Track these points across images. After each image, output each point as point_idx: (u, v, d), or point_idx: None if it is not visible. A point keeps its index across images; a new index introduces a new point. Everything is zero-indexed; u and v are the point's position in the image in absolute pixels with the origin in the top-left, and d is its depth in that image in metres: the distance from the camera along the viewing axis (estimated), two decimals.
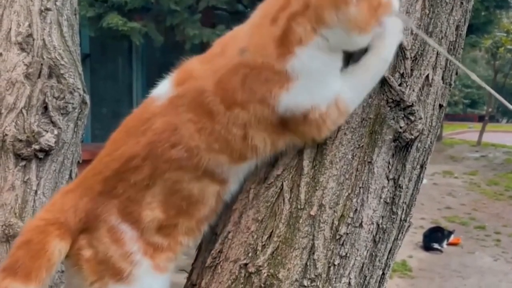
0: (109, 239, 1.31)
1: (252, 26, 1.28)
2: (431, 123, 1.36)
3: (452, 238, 7.92)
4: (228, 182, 1.33)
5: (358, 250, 1.32)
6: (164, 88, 1.34)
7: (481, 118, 25.04)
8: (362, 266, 1.34)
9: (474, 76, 1.30)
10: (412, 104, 1.28)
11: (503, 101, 1.27)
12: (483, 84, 1.29)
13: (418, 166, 1.38)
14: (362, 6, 1.15)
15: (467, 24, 1.39)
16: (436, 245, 7.69)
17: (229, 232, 1.35)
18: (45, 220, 1.34)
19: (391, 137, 1.30)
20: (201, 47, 10.52)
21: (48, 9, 2.31)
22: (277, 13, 1.20)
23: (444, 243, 7.81)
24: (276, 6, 1.22)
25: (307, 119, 1.24)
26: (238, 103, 1.23)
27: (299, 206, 1.29)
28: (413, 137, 1.29)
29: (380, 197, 1.32)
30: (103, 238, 1.31)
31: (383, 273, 1.40)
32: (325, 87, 1.23)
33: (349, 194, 1.30)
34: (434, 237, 7.80)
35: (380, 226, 1.34)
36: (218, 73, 1.25)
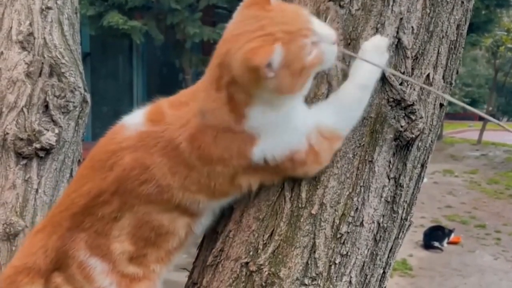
0: (81, 276, 1.32)
1: (204, 89, 1.26)
2: (432, 122, 1.36)
3: (452, 237, 7.92)
4: (201, 216, 1.33)
5: (359, 249, 1.32)
6: (135, 119, 1.33)
7: (481, 117, 25.00)
8: (363, 265, 1.34)
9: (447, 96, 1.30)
10: (413, 103, 1.29)
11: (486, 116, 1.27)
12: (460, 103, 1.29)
13: (419, 165, 1.38)
14: (282, 76, 1.14)
15: (468, 23, 1.40)
16: (436, 244, 7.70)
17: (230, 231, 1.35)
18: (14, 268, 1.36)
19: (392, 136, 1.30)
20: (202, 46, 10.52)
21: (49, 8, 2.31)
22: (217, 82, 1.21)
23: (445, 242, 7.81)
24: (215, 75, 1.21)
25: (295, 161, 1.25)
26: (218, 160, 1.24)
27: (300, 205, 1.29)
28: (414, 136, 1.29)
29: (381, 196, 1.33)
30: (75, 275, 1.32)
31: (384, 272, 1.40)
32: (293, 130, 1.23)
33: (350, 193, 1.30)
34: (435, 236, 7.80)
35: (381, 225, 1.34)
36: (188, 128, 1.24)
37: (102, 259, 1.31)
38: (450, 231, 7.96)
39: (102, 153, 1.33)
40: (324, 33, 1.18)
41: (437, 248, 7.69)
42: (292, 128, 1.23)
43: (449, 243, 7.87)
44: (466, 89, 28.66)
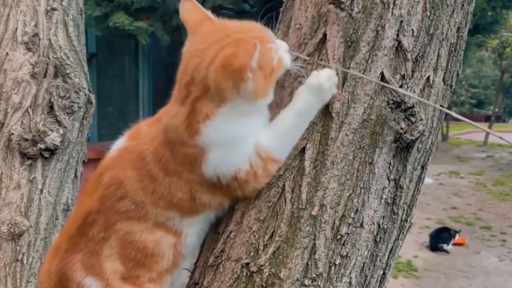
0: None
1: (169, 106, 1.33)
2: (432, 124, 1.37)
3: (457, 238, 7.90)
4: (182, 234, 1.36)
5: (359, 250, 1.33)
6: (120, 141, 1.41)
7: (487, 118, 24.89)
8: (363, 266, 1.35)
9: None
10: (413, 105, 1.29)
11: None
12: None
13: (419, 167, 1.38)
14: (258, 77, 1.20)
15: (468, 26, 1.40)
16: (444, 246, 7.68)
17: (231, 232, 1.36)
18: None
19: (392, 138, 1.31)
20: None
21: (54, 9, 2.33)
22: (183, 99, 1.27)
23: (451, 243, 7.79)
24: (182, 94, 1.28)
25: (239, 180, 1.29)
26: (175, 173, 1.30)
27: (300, 206, 1.30)
28: (414, 138, 1.30)
29: (381, 198, 1.33)
30: None
31: (384, 273, 1.41)
32: (240, 149, 1.28)
33: (350, 194, 1.30)
34: (441, 238, 7.78)
35: (381, 226, 1.34)
36: (154, 142, 1.32)
37: (96, 278, 1.35)
38: (456, 232, 7.94)
39: (93, 176, 1.42)
40: (279, 42, 1.26)
41: (444, 250, 7.68)
42: (238, 147, 1.28)
43: (454, 244, 7.85)
44: (472, 90, 28.51)
